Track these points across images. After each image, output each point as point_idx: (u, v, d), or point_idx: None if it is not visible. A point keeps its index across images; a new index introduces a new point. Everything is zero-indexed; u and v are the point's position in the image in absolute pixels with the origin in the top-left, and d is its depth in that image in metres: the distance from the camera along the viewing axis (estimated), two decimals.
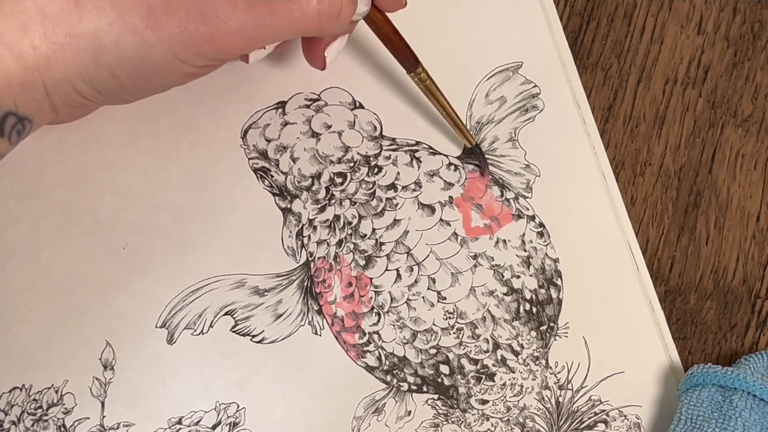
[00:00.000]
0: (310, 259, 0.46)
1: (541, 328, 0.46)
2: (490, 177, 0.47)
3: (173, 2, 0.35)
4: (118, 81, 0.36)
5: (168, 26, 0.35)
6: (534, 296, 0.46)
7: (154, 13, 0.35)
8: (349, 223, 0.46)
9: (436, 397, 0.46)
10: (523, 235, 0.47)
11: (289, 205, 0.46)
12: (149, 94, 0.39)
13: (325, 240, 0.46)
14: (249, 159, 0.46)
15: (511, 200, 0.47)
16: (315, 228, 0.46)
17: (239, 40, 0.36)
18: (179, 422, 0.44)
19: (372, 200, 0.46)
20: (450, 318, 0.46)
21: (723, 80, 0.49)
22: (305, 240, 0.46)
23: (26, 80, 0.35)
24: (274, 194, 0.46)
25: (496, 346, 0.46)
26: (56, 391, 0.44)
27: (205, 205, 0.45)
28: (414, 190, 0.47)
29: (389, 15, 0.41)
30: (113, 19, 0.35)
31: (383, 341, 0.46)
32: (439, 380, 0.46)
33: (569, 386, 0.46)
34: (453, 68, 0.47)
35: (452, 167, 0.47)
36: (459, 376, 0.46)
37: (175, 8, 0.35)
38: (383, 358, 0.45)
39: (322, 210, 0.46)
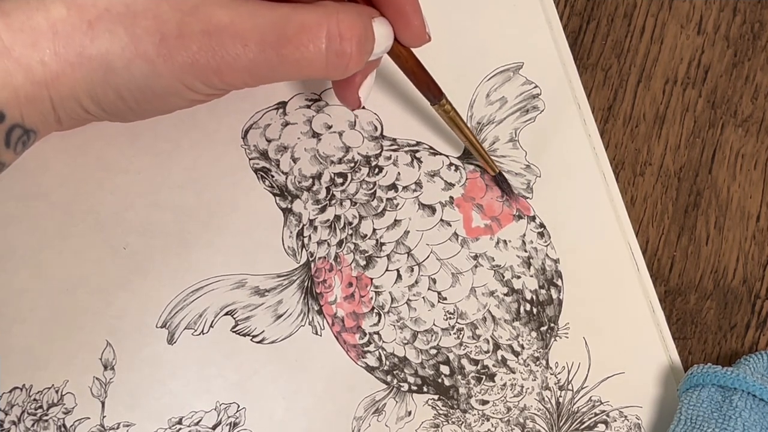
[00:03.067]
0: (310, 259, 0.46)
1: (542, 328, 0.46)
2: (517, 200, 0.47)
3: (187, 34, 0.35)
4: (124, 103, 0.37)
5: (179, 57, 0.35)
6: (534, 297, 0.46)
7: (166, 43, 0.35)
8: (350, 224, 0.46)
9: (436, 397, 0.46)
10: (524, 235, 0.47)
11: (289, 206, 0.46)
12: (153, 115, 0.39)
13: (325, 240, 0.46)
14: (249, 159, 0.46)
15: (512, 200, 0.47)
16: (315, 228, 0.46)
17: (247, 77, 0.36)
18: (179, 422, 0.44)
19: (372, 200, 0.46)
20: (450, 318, 0.46)
21: (723, 80, 0.49)
22: (306, 240, 0.46)
23: (33, 95, 0.35)
24: (274, 194, 0.46)
25: (497, 346, 0.46)
26: (56, 391, 0.44)
27: (205, 205, 0.45)
28: (414, 190, 0.47)
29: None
30: (126, 44, 0.35)
31: (383, 341, 0.46)
32: (440, 381, 0.46)
33: (569, 387, 0.46)
34: (453, 69, 0.47)
35: (453, 167, 0.47)
36: (459, 377, 0.46)
37: (188, 40, 0.35)
38: (383, 358, 0.46)
39: (322, 210, 0.46)
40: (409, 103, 0.47)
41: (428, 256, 0.46)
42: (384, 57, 0.41)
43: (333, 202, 0.46)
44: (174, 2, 0.35)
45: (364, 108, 0.46)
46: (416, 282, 0.46)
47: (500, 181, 0.46)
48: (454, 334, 0.46)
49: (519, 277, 0.46)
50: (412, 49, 0.41)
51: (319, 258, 0.46)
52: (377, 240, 0.46)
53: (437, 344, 0.46)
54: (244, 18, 0.35)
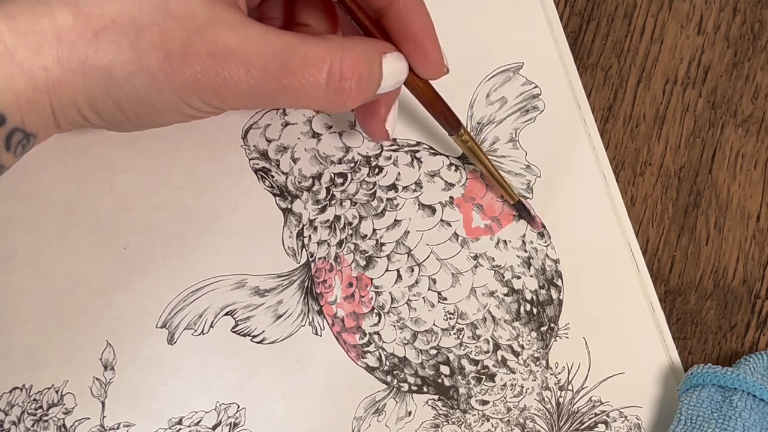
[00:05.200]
0: (310, 259, 0.46)
1: (542, 328, 0.46)
2: (537, 225, 0.47)
3: (192, 54, 0.35)
4: (123, 114, 0.37)
5: (181, 75, 0.35)
6: (534, 297, 0.46)
7: (170, 60, 0.35)
8: (350, 224, 0.46)
9: (436, 397, 0.46)
10: (524, 235, 0.47)
11: (289, 206, 0.46)
12: (150, 128, 0.39)
13: (325, 240, 0.46)
14: (250, 159, 0.46)
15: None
16: (315, 228, 0.46)
17: (246, 101, 0.37)
18: (179, 422, 0.44)
19: (372, 201, 0.46)
20: (450, 318, 0.46)
21: (723, 80, 0.49)
22: (306, 240, 0.46)
23: (35, 99, 0.35)
24: (274, 194, 0.46)
25: (497, 346, 0.46)
26: (57, 392, 0.44)
27: (205, 206, 0.45)
28: (415, 190, 0.47)
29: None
30: (129, 57, 0.35)
31: (384, 342, 0.46)
32: (440, 381, 0.46)
33: (570, 387, 0.46)
34: (454, 69, 0.46)
35: (453, 168, 0.47)
36: (459, 377, 0.46)
37: (192, 60, 0.35)
38: (383, 358, 0.46)
39: (322, 210, 0.46)
40: (409, 104, 0.47)
41: (428, 257, 0.46)
42: None
43: (333, 202, 0.46)
44: (182, 20, 0.35)
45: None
46: (416, 282, 0.46)
47: (520, 209, 0.46)
48: (454, 334, 0.46)
49: (519, 278, 0.46)
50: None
51: (319, 258, 0.46)
52: (377, 240, 0.46)
53: (437, 344, 0.46)
54: (251, 44, 0.35)
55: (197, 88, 0.35)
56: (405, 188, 0.47)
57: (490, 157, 0.46)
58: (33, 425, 0.44)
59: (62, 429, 0.44)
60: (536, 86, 0.48)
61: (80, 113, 0.36)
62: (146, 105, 0.36)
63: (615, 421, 0.46)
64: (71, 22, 0.34)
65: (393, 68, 0.39)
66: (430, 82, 0.41)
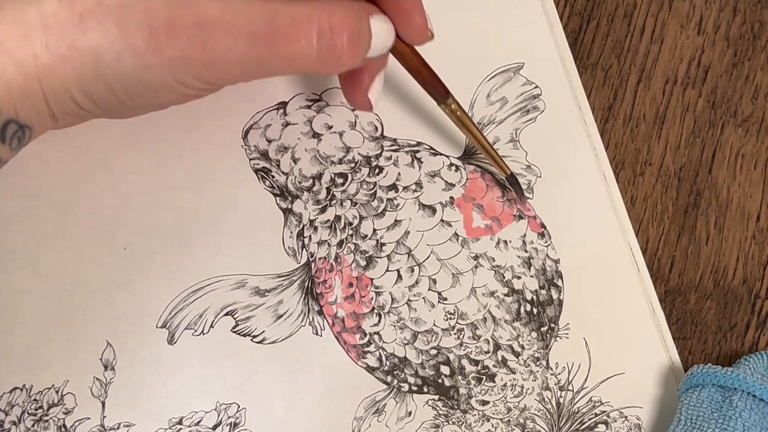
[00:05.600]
0: (310, 259, 0.46)
1: (542, 329, 0.46)
2: (525, 202, 0.47)
3: (177, 28, 0.35)
4: (116, 96, 0.37)
5: (169, 50, 0.35)
6: (535, 297, 0.46)
7: (156, 36, 0.35)
8: (350, 224, 0.46)
9: (436, 397, 0.46)
10: (524, 235, 0.47)
11: (290, 206, 0.46)
12: (147, 111, 0.39)
13: (326, 240, 0.46)
14: (250, 159, 0.46)
15: (512, 201, 0.47)
16: (316, 228, 0.46)
17: (238, 71, 0.36)
18: (180, 422, 0.44)
19: (373, 201, 0.46)
20: (451, 319, 0.46)
21: (723, 80, 0.49)
22: (306, 240, 0.46)
23: (26, 88, 0.35)
24: (275, 195, 0.46)
25: (497, 346, 0.46)
26: (57, 392, 0.44)
27: (206, 206, 0.45)
28: (415, 190, 0.47)
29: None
30: (116, 37, 0.35)
31: (384, 342, 0.46)
32: (440, 381, 0.46)
33: (570, 387, 0.46)
34: (454, 69, 0.47)
35: (453, 168, 0.47)
36: (460, 377, 0.46)
37: (177, 34, 0.35)
38: (384, 358, 0.46)
39: (323, 210, 0.46)
40: (409, 104, 0.47)
41: (428, 257, 0.46)
42: (390, 59, 0.41)
43: (333, 202, 0.46)
44: None
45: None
46: (416, 282, 0.46)
47: (512, 183, 0.46)
48: (455, 334, 0.46)
49: (519, 278, 0.46)
50: (417, 48, 0.41)
51: (320, 258, 0.46)
52: (377, 240, 0.46)
53: (437, 344, 0.46)
54: (236, 11, 0.35)
55: (186, 62, 0.35)
56: (405, 188, 0.47)
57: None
58: (33, 425, 0.44)
59: (62, 429, 0.44)
60: (536, 86, 0.48)
61: (73, 99, 0.36)
62: (137, 84, 0.36)
63: (615, 421, 0.46)
64: (57, 8, 0.34)
65: (379, 28, 0.38)
66: (418, 50, 0.41)
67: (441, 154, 0.47)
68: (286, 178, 0.46)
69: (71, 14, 0.35)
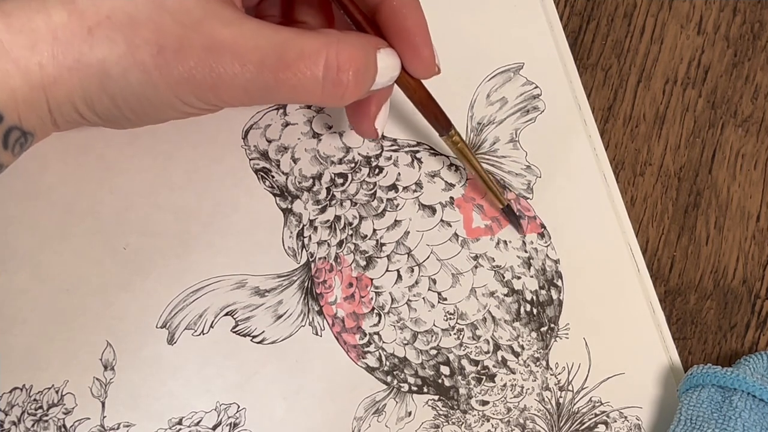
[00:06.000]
0: (310, 259, 0.46)
1: (542, 329, 0.46)
2: (524, 233, 0.47)
3: (186, 49, 0.35)
4: (119, 111, 0.37)
5: (176, 70, 0.35)
6: (535, 297, 0.46)
7: (164, 55, 0.35)
8: (350, 224, 0.46)
9: (436, 398, 0.46)
10: (524, 236, 0.47)
11: (289, 206, 0.46)
12: (147, 124, 0.39)
13: (325, 241, 0.46)
14: (250, 159, 0.46)
15: (512, 201, 0.47)
16: (316, 228, 0.46)
17: (242, 96, 0.36)
18: (180, 422, 0.44)
19: (373, 201, 0.46)
20: (450, 319, 0.46)
21: (723, 80, 0.49)
22: (306, 240, 0.46)
23: (31, 97, 0.35)
24: (274, 195, 0.46)
25: (497, 347, 0.46)
26: (57, 392, 0.44)
27: (205, 206, 0.45)
28: (415, 190, 0.47)
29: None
30: (124, 52, 0.35)
31: (384, 342, 0.46)
32: (440, 381, 0.46)
33: (570, 387, 0.46)
34: (454, 69, 0.47)
35: (453, 168, 0.47)
36: (459, 377, 0.46)
37: (186, 55, 0.35)
38: (384, 358, 0.46)
39: (322, 210, 0.46)
40: (409, 104, 0.47)
41: (428, 257, 0.46)
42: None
43: (333, 202, 0.46)
44: (177, 15, 0.35)
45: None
46: (416, 282, 0.46)
47: (508, 214, 0.46)
48: (455, 334, 0.46)
49: (519, 278, 0.46)
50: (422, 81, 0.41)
51: (320, 258, 0.46)
52: (377, 240, 0.46)
53: (437, 345, 0.46)
54: (246, 38, 0.35)
55: (192, 83, 0.35)
56: (405, 188, 0.47)
57: (489, 157, 0.46)
58: (33, 425, 0.44)
59: (62, 429, 0.44)
60: (536, 86, 0.48)
61: (77, 110, 0.36)
62: (141, 101, 0.36)
63: (615, 421, 0.46)
64: (66, 19, 0.34)
65: (386, 63, 0.39)
66: (423, 82, 0.41)
67: (441, 154, 0.47)
68: (286, 178, 0.46)
69: (80, 27, 0.34)
